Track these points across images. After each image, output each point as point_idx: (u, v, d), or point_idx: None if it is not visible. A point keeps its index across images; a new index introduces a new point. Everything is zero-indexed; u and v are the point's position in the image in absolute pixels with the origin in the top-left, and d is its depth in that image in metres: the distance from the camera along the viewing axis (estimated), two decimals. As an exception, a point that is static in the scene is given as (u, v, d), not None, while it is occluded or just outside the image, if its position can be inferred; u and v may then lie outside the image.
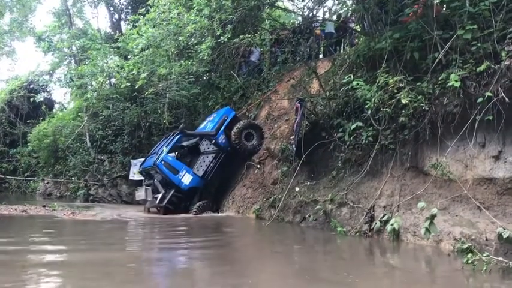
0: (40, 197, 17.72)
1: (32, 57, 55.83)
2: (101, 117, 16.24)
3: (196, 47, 11.93)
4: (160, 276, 4.86)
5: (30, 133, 20.02)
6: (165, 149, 10.95)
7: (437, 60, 6.63)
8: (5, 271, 4.48)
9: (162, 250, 6.60)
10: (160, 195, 10.69)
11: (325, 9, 12.58)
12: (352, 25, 11.98)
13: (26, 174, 20.20)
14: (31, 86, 22.38)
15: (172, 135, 11.48)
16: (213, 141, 11.32)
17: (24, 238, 6.83)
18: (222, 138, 11.36)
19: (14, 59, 26.78)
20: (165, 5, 11.89)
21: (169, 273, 4.97)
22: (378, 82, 7.23)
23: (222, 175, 11.68)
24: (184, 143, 11.65)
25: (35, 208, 10.84)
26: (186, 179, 10.86)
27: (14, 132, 22.07)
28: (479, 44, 6.16)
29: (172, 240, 7.43)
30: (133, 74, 12.61)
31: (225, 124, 11.46)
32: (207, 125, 11.95)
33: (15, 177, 20.17)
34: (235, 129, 11.12)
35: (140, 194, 11.38)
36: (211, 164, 11.26)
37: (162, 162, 10.76)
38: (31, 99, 20.95)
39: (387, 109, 7.02)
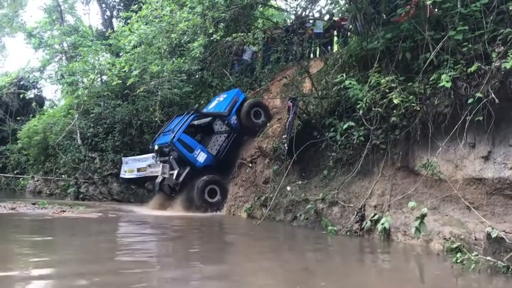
0: (30, 194, 17.51)
1: (23, 53, 55.14)
2: (92, 115, 16.08)
3: (188, 44, 11.88)
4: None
5: (20, 130, 19.77)
6: (181, 128, 11.09)
7: (428, 60, 6.66)
8: None
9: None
10: (175, 172, 10.81)
11: (318, 8, 12.61)
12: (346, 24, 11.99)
13: (15, 172, 19.93)
14: (21, 83, 22.10)
15: (187, 114, 11.52)
16: (226, 122, 11.63)
17: None
18: (234, 119, 11.68)
19: (4, 55, 26.50)
20: (157, 2, 11.81)
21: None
22: (370, 82, 7.25)
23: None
24: (195, 122, 11.76)
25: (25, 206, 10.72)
26: (201, 157, 11.10)
27: (3, 129, 21.80)
28: (470, 45, 6.22)
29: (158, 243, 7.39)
30: (125, 71, 12.48)
31: (236, 105, 11.76)
32: (217, 105, 12.10)
33: (5, 175, 19.91)
34: (244, 108, 11.54)
35: (156, 169, 11.23)
36: (224, 144, 11.57)
37: (179, 140, 10.91)
38: (21, 96, 20.72)
39: (379, 109, 7.05)
